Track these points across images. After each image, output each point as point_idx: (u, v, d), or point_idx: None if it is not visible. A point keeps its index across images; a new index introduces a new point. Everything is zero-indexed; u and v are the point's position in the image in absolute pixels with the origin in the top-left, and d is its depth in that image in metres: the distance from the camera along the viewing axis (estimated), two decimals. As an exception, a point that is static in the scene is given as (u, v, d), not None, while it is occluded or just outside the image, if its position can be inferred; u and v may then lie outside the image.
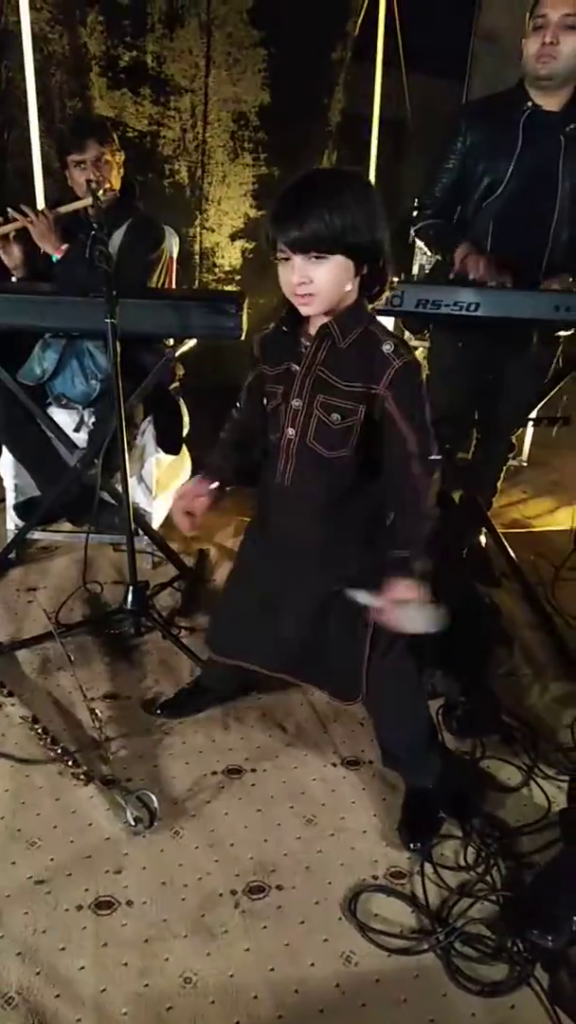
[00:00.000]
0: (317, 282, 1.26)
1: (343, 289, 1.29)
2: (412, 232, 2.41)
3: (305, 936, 1.39)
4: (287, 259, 1.27)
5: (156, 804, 1.60)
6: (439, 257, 2.43)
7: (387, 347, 1.30)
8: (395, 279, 1.37)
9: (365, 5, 3.28)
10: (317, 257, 1.24)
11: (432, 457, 1.34)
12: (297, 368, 1.38)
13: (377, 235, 1.26)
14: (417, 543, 1.35)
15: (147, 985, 1.29)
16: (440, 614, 1.34)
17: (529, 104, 2.12)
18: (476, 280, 2.09)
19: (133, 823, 1.56)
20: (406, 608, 1.32)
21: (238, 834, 1.59)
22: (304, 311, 1.32)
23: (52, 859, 1.50)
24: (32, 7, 2.92)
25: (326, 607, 1.50)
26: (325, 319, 1.33)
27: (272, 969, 1.33)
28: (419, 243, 2.50)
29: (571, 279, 2.18)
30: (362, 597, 1.37)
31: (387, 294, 1.38)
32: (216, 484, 1.55)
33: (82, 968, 1.31)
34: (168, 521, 2.55)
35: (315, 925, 1.41)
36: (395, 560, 1.34)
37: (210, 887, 1.47)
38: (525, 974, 1.34)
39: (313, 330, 1.35)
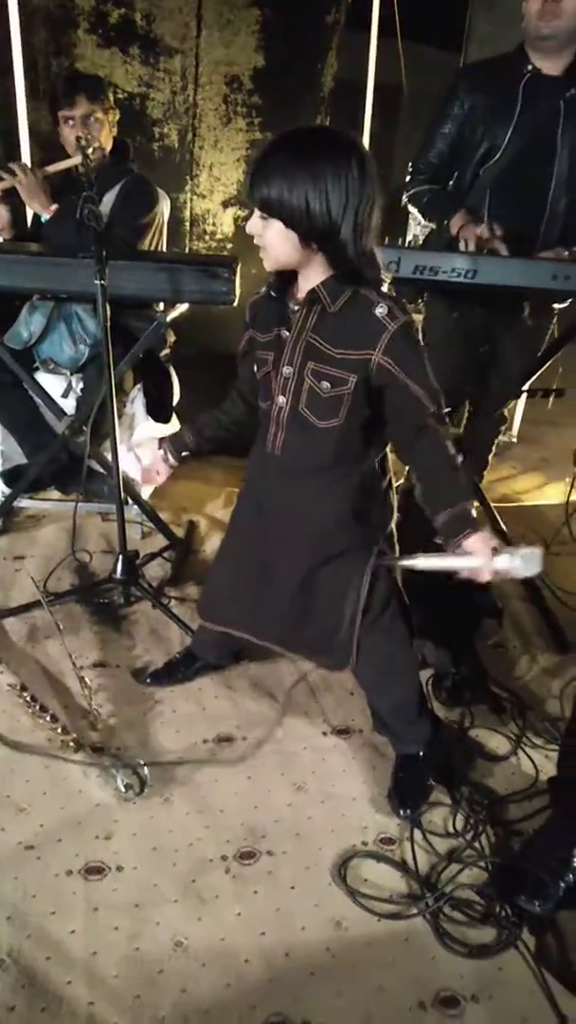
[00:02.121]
0: (263, 239, 1.27)
1: (289, 255, 1.27)
2: (404, 197, 2.36)
3: (296, 901, 1.40)
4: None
5: (146, 771, 1.59)
6: (432, 226, 2.39)
7: (380, 310, 1.27)
8: (380, 268, 1.31)
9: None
10: (262, 217, 1.25)
11: (444, 410, 1.32)
12: (288, 334, 1.35)
13: (325, 219, 1.20)
14: (468, 493, 1.32)
15: (138, 949, 1.30)
16: (536, 552, 1.26)
17: (530, 68, 2.08)
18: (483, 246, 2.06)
19: (123, 790, 1.56)
20: (501, 558, 1.25)
21: (228, 801, 1.59)
22: (265, 264, 1.32)
23: (42, 825, 1.50)
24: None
25: (316, 576, 1.48)
26: (312, 283, 1.30)
27: (263, 933, 1.34)
28: (412, 211, 2.45)
29: (567, 253, 2.16)
30: (457, 563, 1.28)
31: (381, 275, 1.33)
32: (185, 455, 1.67)
33: (72, 932, 1.31)
34: (157, 491, 2.53)
35: (305, 890, 1.42)
36: (459, 518, 1.28)
37: (201, 853, 1.47)
38: (512, 937, 1.36)
39: (302, 295, 1.33)
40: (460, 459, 1.33)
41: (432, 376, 1.31)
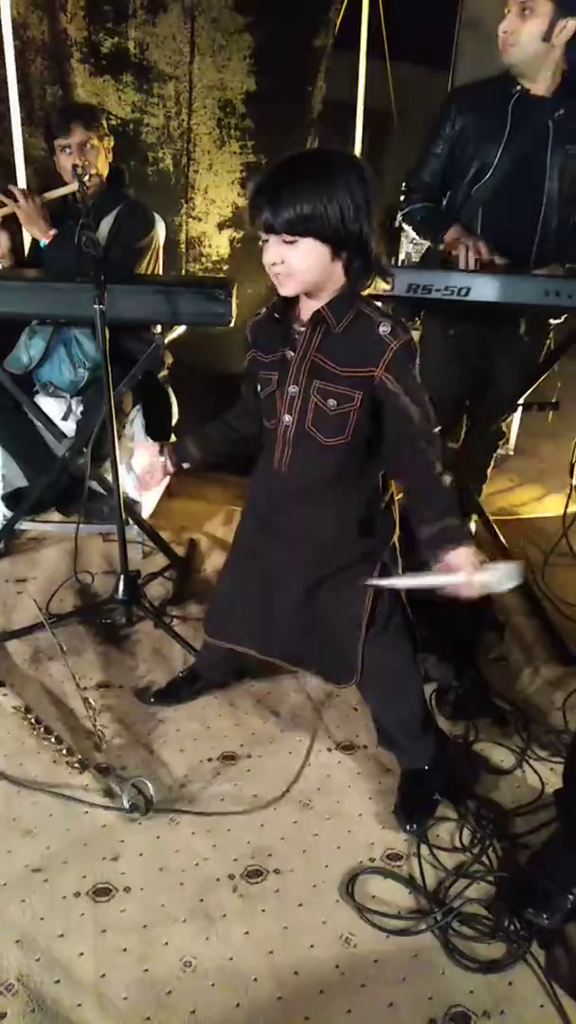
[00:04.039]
0: (289, 263, 1.26)
1: (320, 273, 1.28)
2: (399, 216, 2.40)
3: (304, 919, 1.40)
4: (266, 240, 1.28)
5: (152, 791, 1.59)
6: (427, 243, 2.43)
7: (384, 328, 1.30)
8: (387, 268, 1.35)
9: (348, -8, 3.26)
10: (288, 240, 1.24)
11: (435, 430, 1.34)
12: (292, 354, 1.37)
13: (355, 225, 1.24)
14: (454, 510, 1.33)
15: (147, 970, 1.29)
16: (514, 565, 1.27)
17: (518, 88, 2.12)
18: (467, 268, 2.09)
19: (129, 810, 1.56)
20: (482, 573, 1.26)
21: (234, 819, 1.59)
22: (281, 291, 1.32)
23: (48, 847, 1.50)
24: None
25: (320, 591, 1.50)
26: (316, 304, 1.32)
27: (271, 952, 1.34)
28: (406, 228, 2.49)
29: (560, 269, 2.19)
30: (439, 580, 1.30)
31: (384, 285, 1.37)
32: (186, 466, 1.63)
33: (81, 954, 1.31)
34: (158, 510, 2.54)
35: (313, 908, 1.42)
36: (443, 532, 1.30)
37: (208, 872, 1.47)
38: (521, 952, 1.36)
39: (305, 316, 1.35)
40: (447, 477, 1.35)
41: (426, 397, 1.33)
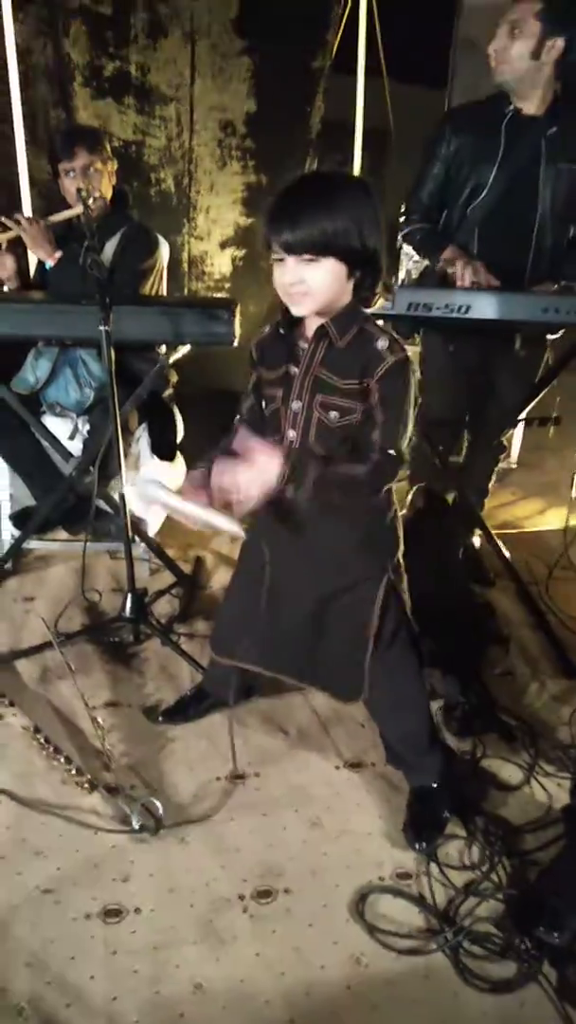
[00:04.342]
0: (309, 283, 1.28)
1: (335, 291, 1.31)
2: (399, 237, 2.43)
3: (314, 939, 1.40)
4: (281, 260, 1.29)
5: (161, 811, 1.59)
6: (427, 262, 2.45)
7: (382, 343, 1.33)
8: (390, 285, 1.38)
9: (345, 15, 3.32)
10: (309, 259, 1.27)
11: (390, 451, 1.34)
12: (296, 370, 1.39)
13: (370, 242, 1.28)
14: (324, 481, 1.31)
15: (158, 992, 1.29)
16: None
17: (511, 108, 2.15)
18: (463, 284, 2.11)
19: (139, 830, 1.56)
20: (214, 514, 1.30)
21: (244, 839, 1.59)
22: (295, 310, 1.34)
23: (58, 868, 1.50)
24: (15, 19, 2.93)
25: (327, 607, 1.51)
26: (320, 320, 1.34)
27: (282, 973, 1.33)
28: (406, 248, 2.53)
29: (555, 287, 2.21)
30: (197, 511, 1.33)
31: (382, 301, 1.40)
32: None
33: (92, 977, 1.31)
34: (164, 528, 2.55)
35: (324, 928, 1.42)
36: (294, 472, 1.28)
37: (218, 892, 1.47)
38: (533, 971, 1.35)
39: (310, 332, 1.37)
40: (361, 470, 1.34)
41: (406, 420, 1.34)
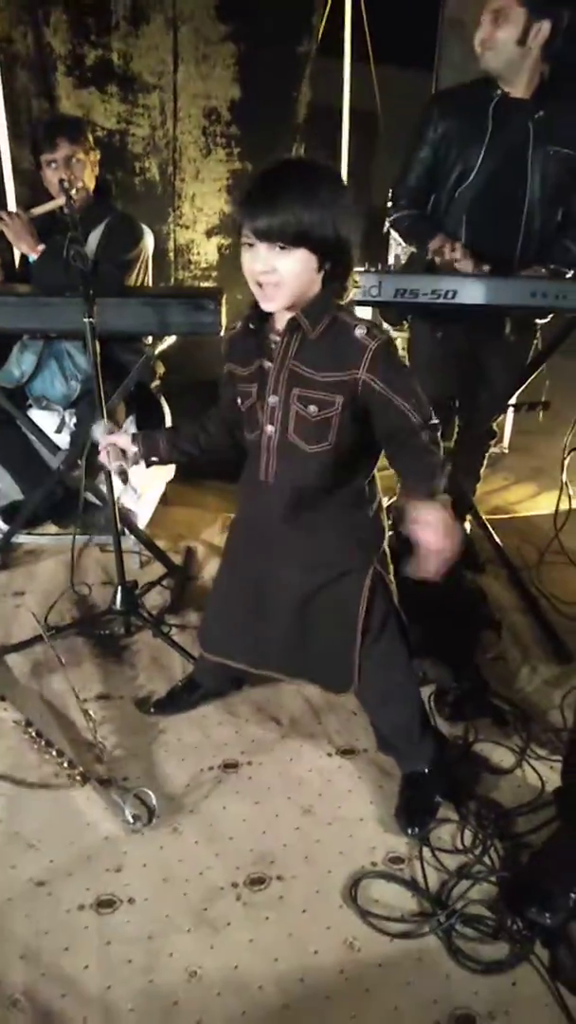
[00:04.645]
0: (280, 272, 1.26)
1: (305, 282, 1.29)
2: (387, 223, 2.42)
3: (308, 925, 1.40)
4: (251, 245, 1.27)
5: (154, 802, 1.60)
6: (414, 248, 2.44)
7: (359, 331, 1.31)
8: (358, 276, 1.37)
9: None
10: (282, 248, 1.24)
11: (433, 422, 1.34)
12: (270, 365, 1.37)
13: (343, 233, 1.26)
14: (439, 480, 1.35)
15: (152, 981, 1.30)
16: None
17: (499, 91, 2.13)
18: (450, 266, 2.10)
19: (131, 821, 1.56)
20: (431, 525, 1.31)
21: (237, 827, 1.60)
22: (266, 306, 1.32)
23: (52, 860, 1.50)
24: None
25: (313, 601, 1.50)
26: (291, 313, 1.32)
27: (276, 959, 1.34)
28: (394, 234, 2.51)
29: (543, 271, 2.20)
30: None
31: (352, 292, 1.38)
32: (153, 459, 1.64)
33: (86, 967, 1.31)
34: (155, 520, 2.55)
35: (317, 913, 1.42)
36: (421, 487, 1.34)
37: (211, 881, 1.48)
38: (525, 952, 1.36)
39: (280, 325, 1.35)
40: (445, 462, 1.36)
41: (418, 388, 1.33)
